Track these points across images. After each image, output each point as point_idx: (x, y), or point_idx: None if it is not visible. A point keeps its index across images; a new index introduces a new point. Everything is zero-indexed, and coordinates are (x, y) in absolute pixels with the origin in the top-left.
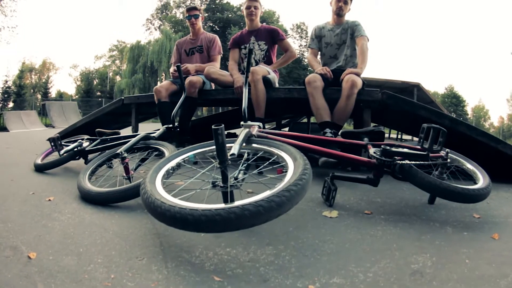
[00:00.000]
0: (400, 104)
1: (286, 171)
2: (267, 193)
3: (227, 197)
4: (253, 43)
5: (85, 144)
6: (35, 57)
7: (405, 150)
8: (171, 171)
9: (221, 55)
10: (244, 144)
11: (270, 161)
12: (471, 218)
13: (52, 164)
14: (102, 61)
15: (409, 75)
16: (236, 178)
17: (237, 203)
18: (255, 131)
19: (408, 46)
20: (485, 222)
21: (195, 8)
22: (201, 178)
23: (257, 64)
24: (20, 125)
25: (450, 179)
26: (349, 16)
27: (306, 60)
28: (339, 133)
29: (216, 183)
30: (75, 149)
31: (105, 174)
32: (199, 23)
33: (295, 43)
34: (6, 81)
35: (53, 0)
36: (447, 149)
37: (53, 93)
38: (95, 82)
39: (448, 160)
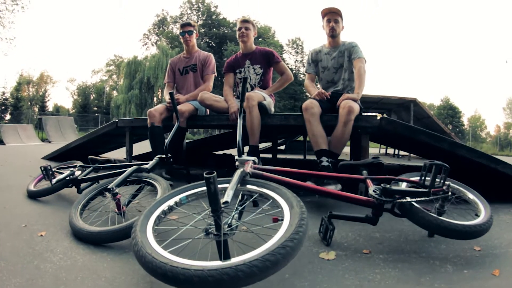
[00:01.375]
0: (399, 129)
1: (282, 219)
2: (261, 250)
3: (221, 246)
4: (248, 67)
5: (77, 172)
6: (33, 69)
7: (406, 187)
8: (162, 215)
9: (215, 74)
10: (238, 185)
11: (266, 205)
12: (471, 251)
13: (45, 192)
14: (99, 76)
15: (404, 86)
16: (230, 225)
17: (232, 261)
18: (249, 168)
19: (403, 58)
20: (485, 255)
21: (189, 24)
22: (194, 225)
23: (252, 89)
24: (16, 139)
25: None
26: (346, 31)
27: (302, 75)
28: (338, 165)
29: (210, 231)
30: (67, 178)
31: (98, 209)
32: (193, 40)
33: (290, 59)
34: (4, 93)
35: (52, 13)
36: (448, 182)
37: (50, 106)
38: (92, 97)
39: (450, 193)
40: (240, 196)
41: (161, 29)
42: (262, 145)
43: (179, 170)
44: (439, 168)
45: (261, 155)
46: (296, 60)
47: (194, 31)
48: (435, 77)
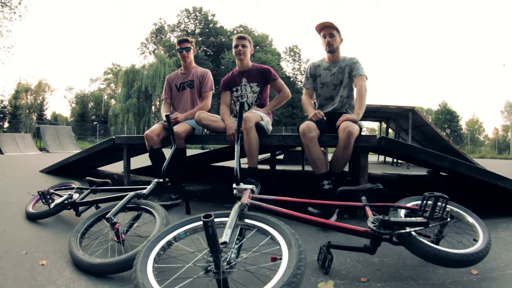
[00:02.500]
0: (399, 149)
1: (280, 259)
2: None
3: (221, 284)
4: (245, 85)
5: (75, 196)
6: (31, 77)
7: (405, 216)
8: (161, 252)
9: (213, 91)
10: (237, 219)
11: (264, 241)
12: (469, 275)
13: (43, 215)
14: (97, 84)
15: (401, 91)
16: (229, 263)
17: None
18: (247, 199)
19: (400, 63)
20: (482, 279)
21: (186, 41)
22: (193, 263)
23: (249, 107)
24: (14, 148)
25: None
26: (345, 47)
27: (299, 84)
28: (337, 192)
29: (209, 268)
30: (65, 201)
31: (97, 238)
32: (191, 56)
33: (288, 66)
34: (2, 101)
35: (49, 21)
36: (448, 208)
37: (48, 115)
38: (90, 105)
39: (448, 220)
40: (238, 230)
41: (158, 37)
42: (260, 156)
43: (177, 190)
44: (438, 199)
45: (260, 166)
46: (294, 68)
47: (192, 47)
48: (432, 82)
